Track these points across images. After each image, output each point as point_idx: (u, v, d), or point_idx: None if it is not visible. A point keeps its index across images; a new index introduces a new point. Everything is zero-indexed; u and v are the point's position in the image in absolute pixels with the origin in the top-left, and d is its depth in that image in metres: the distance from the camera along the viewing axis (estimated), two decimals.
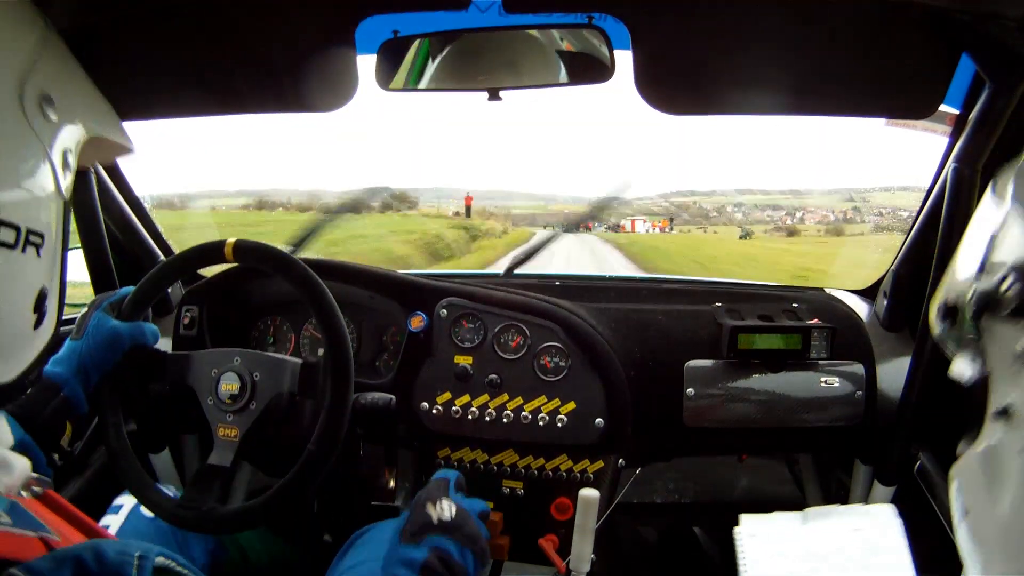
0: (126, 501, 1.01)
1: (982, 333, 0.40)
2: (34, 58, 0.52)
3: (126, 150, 0.67)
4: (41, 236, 0.52)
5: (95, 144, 0.60)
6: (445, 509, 0.78)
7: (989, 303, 0.39)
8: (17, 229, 0.49)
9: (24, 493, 0.55)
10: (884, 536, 0.92)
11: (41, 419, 0.86)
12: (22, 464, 0.55)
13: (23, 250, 0.50)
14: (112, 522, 0.99)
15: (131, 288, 1.03)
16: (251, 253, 1.01)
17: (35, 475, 0.58)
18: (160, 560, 0.48)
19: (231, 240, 1.01)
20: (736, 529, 0.98)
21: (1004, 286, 0.37)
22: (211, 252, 1.03)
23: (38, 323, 0.53)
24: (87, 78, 0.61)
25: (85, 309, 1.00)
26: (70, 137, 0.56)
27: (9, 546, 0.46)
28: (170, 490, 1.04)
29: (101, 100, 0.62)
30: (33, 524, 0.49)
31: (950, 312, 0.43)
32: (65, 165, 0.55)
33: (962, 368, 0.42)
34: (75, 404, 0.90)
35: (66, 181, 0.55)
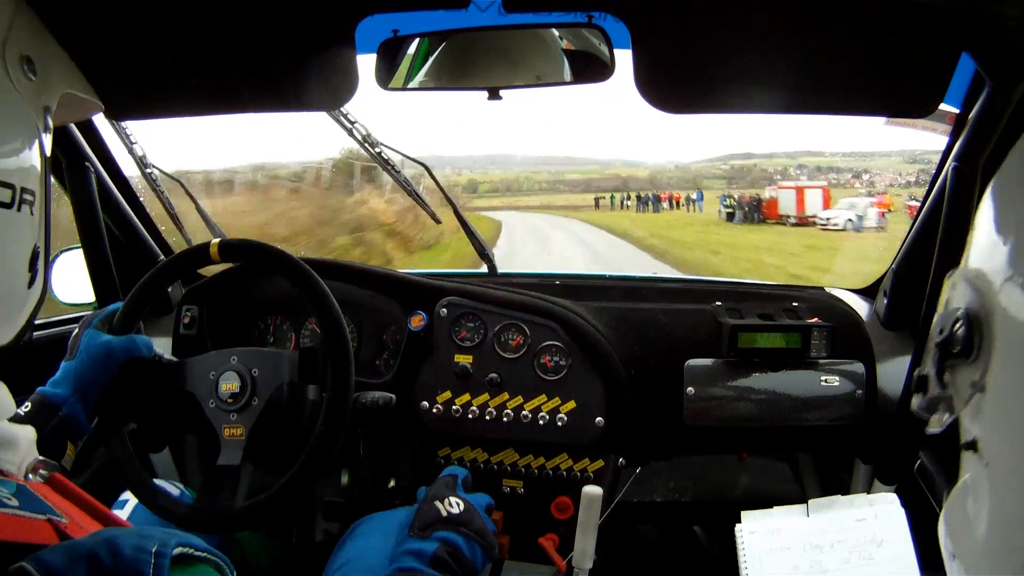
0: (131, 495, 1.02)
1: (946, 385, 0.42)
2: (9, 23, 0.53)
3: (95, 107, 0.68)
4: (33, 194, 0.53)
5: (67, 102, 0.61)
6: (454, 505, 0.78)
7: (947, 350, 0.41)
8: (13, 188, 0.50)
9: (32, 476, 0.55)
10: (888, 526, 0.92)
11: (40, 439, 0.86)
12: (28, 438, 0.55)
13: (18, 208, 0.51)
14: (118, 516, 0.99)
15: (119, 304, 1.03)
16: (236, 251, 1.02)
17: (41, 458, 0.58)
18: (179, 550, 0.47)
19: (215, 241, 1.03)
20: (737, 526, 0.98)
21: (957, 327, 0.40)
22: (196, 255, 1.04)
23: (31, 282, 0.54)
24: (54, 39, 0.62)
25: (76, 330, 1.00)
26: (48, 96, 0.58)
27: (18, 529, 0.45)
28: (175, 488, 1.05)
29: (68, 59, 0.64)
30: (41, 507, 0.49)
31: (920, 381, 0.45)
32: (45, 125, 0.57)
33: (937, 423, 0.44)
34: (75, 424, 0.90)
35: (47, 139, 0.57)
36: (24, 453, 0.55)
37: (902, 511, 0.93)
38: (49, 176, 0.57)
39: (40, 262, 0.55)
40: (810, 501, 0.99)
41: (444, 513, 0.78)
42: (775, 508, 0.99)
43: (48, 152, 0.57)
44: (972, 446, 0.40)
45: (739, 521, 0.99)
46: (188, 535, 0.50)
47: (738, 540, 0.97)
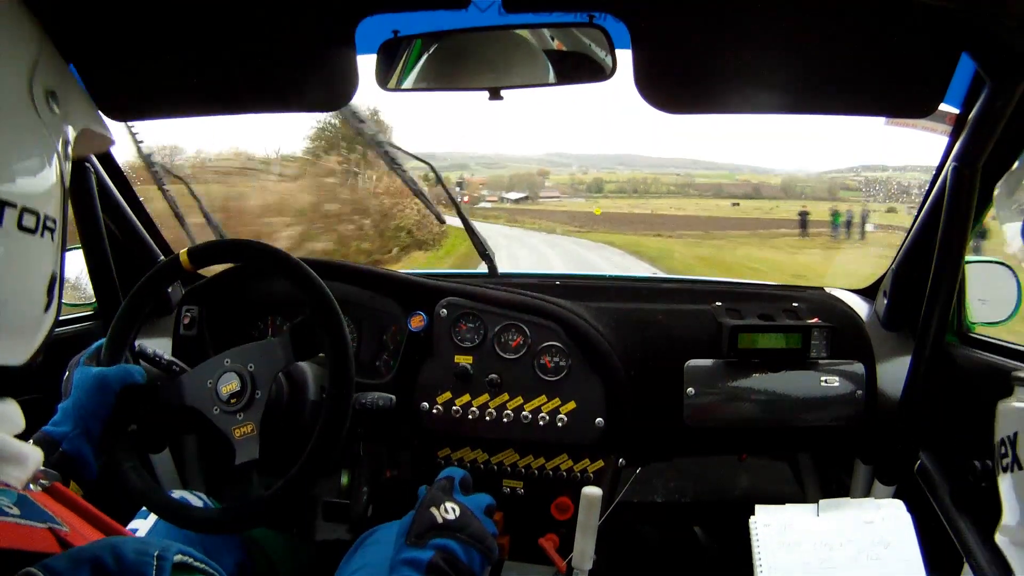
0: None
1: None
2: (36, 58, 0.55)
3: (108, 142, 0.70)
4: (55, 222, 0.55)
5: (82, 136, 0.63)
6: (449, 511, 0.78)
7: None
8: (37, 215, 0.52)
9: (33, 486, 0.55)
10: (895, 530, 0.94)
11: None
12: (35, 457, 0.55)
13: (41, 235, 0.53)
14: (141, 526, 1.00)
15: (103, 341, 1.03)
16: (206, 254, 1.03)
17: (42, 468, 0.59)
18: (179, 557, 0.48)
19: (182, 251, 1.03)
20: (751, 519, 0.99)
21: None
22: (167, 270, 1.04)
23: (48, 306, 0.56)
24: (73, 74, 0.65)
25: (66, 373, 1.01)
26: (69, 130, 0.60)
27: (20, 537, 0.46)
28: (196, 499, 1.05)
29: (86, 95, 0.66)
30: (43, 516, 0.49)
31: None
32: (66, 156, 0.59)
33: None
34: (79, 459, 0.88)
35: (67, 170, 0.59)
36: (31, 470, 0.55)
37: (908, 516, 0.95)
38: (67, 205, 0.59)
39: (56, 287, 0.57)
40: (820, 501, 1.01)
41: (440, 520, 0.77)
42: (788, 505, 1.01)
43: (67, 183, 0.59)
44: None
45: (746, 518, 1.01)
46: (186, 545, 0.51)
47: (752, 532, 0.99)
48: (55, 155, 0.56)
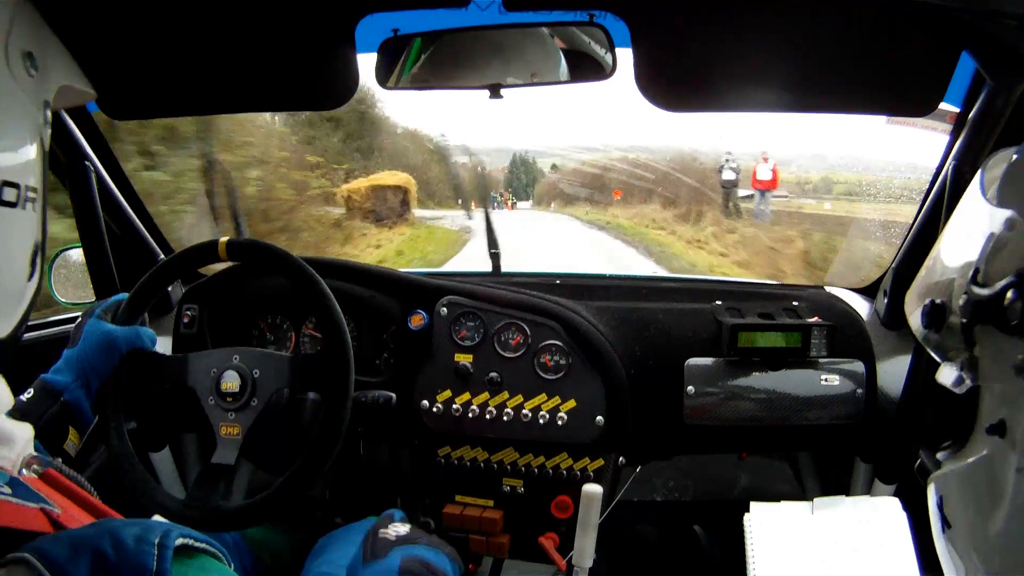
0: None
1: (975, 342, 0.37)
2: (10, 20, 0.53)
3: (89, 96, 0.69)
4: (36, 191, 0.53)
5: (63, 92, 0.62)
6: (400, 529, 0.78)
7: (986, 313, 0.35)
8: (18, 187, 0.51)
9: (25, 471, 0.55)
10: (890, 529, 0.94)
11: (40, 424, 0.85)
12: (24, 436, 0.55)
13: (23, 207, 0.51)
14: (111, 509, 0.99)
15: (125, 295, 1.03)
16: (245, 250, 1.02)
17: (35, 454, 0.58)
18: (180, 541, 0.47)
19: (223, 239, 1.02)
20: (745, 516, 0.99)
21: (1008, 296, 0.34)
22: (204, 252, 1.03)
23: (31, 275, 0.55)
24: (52, 32, 0.62)
25: (79, 319, 0.99)
26: (47, 90, 0.58)
27: (11, 516, 0.45)
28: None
29: (64, 50, 0.64)
30: (34, 497, 0.49)
31: (936, 313, 0.40)
32: (45, 119, 0.57)
33: (949, 377, 0.40)
34: (77, 410, 0.89)
35: (47, 133, 0.57)
36: (20, 450, 0.54)
37: (904, 515, 0.95)
38: (47, 170, 0.57)
39: (39, 255, 0.56)
40: (815, 500, 1.00)
41: (393, 537, 0.77)
42: (783, 503, 1.01)
43: (47, 146, 0.57)
44: (998, 430, 0.36)
45: (742, 516, 1.00)
46: (189, 529, 0.50)
47: (746, 529, 0.98)
48: (35, 121, 0.54)
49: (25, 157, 0.52)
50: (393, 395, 1.10)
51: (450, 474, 1.21)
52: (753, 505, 1.00)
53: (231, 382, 0.97)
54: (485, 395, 1.18)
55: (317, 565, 0.82)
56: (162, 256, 1.41)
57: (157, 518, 0.95)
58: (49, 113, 0.58)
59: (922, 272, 0.46)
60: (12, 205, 0.50)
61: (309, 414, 1.03)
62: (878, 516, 0.96)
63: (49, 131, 0.57)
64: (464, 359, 1.20)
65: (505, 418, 1.17)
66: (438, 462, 1.22)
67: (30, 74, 0.54)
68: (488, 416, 1.17)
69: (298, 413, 1.03)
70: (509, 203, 12.73)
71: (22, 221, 0.52)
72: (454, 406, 1.18)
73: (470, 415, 1.18)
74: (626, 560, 1.61)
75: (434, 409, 1.19)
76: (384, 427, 1.20)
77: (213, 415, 0.97)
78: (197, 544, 0.49)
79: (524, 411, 1.17)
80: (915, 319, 0.43)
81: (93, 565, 0.42)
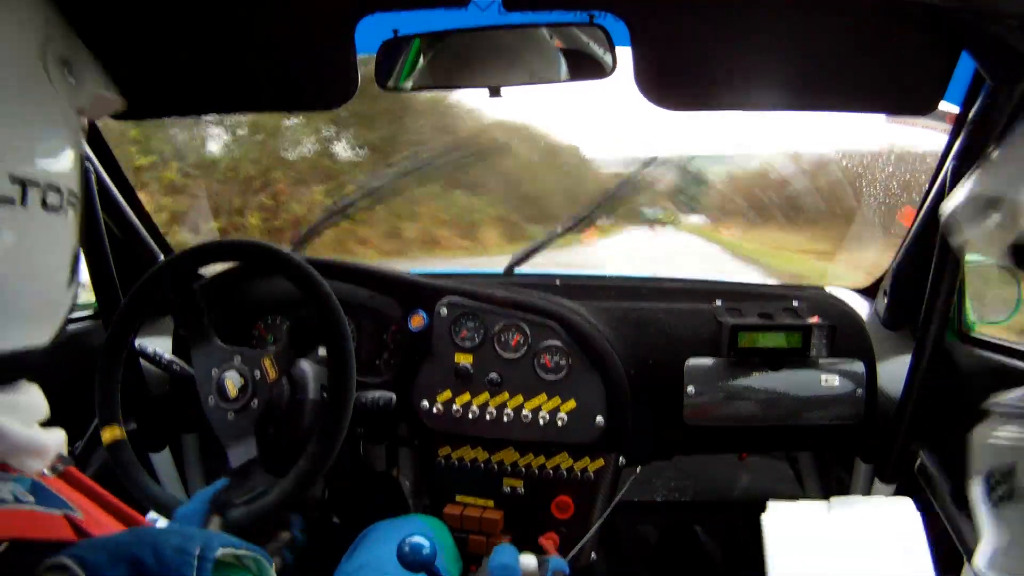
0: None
1: None
2: (46, 27, 0.53)
3: (118, 104, 0.69)
4: (76, 196, 0.53)
5: (95, 102, 0.62)
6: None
7: None
8: (61, 192, 0.51)
9: (47, 471, 0.55)
10: (904, 528, 0.95)
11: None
12: (56, 445, 0.54)
13: (65, 212, 0.51)
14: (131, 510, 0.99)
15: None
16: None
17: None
18: (221, 552, 0.45)
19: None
20: (763, 516, 1.00)
21: None
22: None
23: (71, 281, 0.55)
24: (80, 39, 0.62)
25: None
26: (84, 97, 0.58)
27: (37, 526, 0.45)
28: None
29: (95, 60, 0.64)
30: (57, 502, 0.48)
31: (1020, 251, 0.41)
32: (81, 126, 0.57)
33: None
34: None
35: (83, 140, 0.57)
36: (50, 460, 0.54)
37: (918, 514, 0.96)
38: (83, 177, 0.57)
39: (78, 263, 0.56)
40: (832, 499, 1.03)
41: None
42: (800, 501, 1.02)
43: (84, 152, 0.57)
44: None
45: (746, 516, 1.03)
46: (230, 536, 0.49)
47: (764, 526, 0.99)
48: (74, 127, 0.54)
49: (67, 162, 0.52)
50: (393, 396, 1.10)
51: (450, 474, 1.21)
52: (771, 504, 1.01)
53: (232, 382, 0.97)
54: (485, 395, 1.18)
55: (364, 550, 0.83)
56: (162, 256, 1.41)
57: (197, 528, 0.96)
58: (84, 120, 0.58)
59: (971, 186, 0.44)
60: (56, 210, 0.50)
61: (310, 415, 1.03)
62: (892, 516, 0.97)
63: (84, 138, 0.58)
64: (464, 359, 1.20)
65: (505, 418, 1.17)
66: (438, 462, 1.22)
67: (68, 82, 0.54)
68: (488, 416, 1.17)
69: (299, 414, 1.03)
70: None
71: (65, 226, 0.52)
72: (454, 407, 1.18)
73: (470, 416, 1.18)
74: (626, 560, 1.60)
75: (434, 410, 1.19)
76: (384, 428, 1.20)
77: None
78: (240, 552, 0.47)
79: (524, 411, 1.17)
80: (976, 231, 0.42)
81: (131, 574, 0.41)
